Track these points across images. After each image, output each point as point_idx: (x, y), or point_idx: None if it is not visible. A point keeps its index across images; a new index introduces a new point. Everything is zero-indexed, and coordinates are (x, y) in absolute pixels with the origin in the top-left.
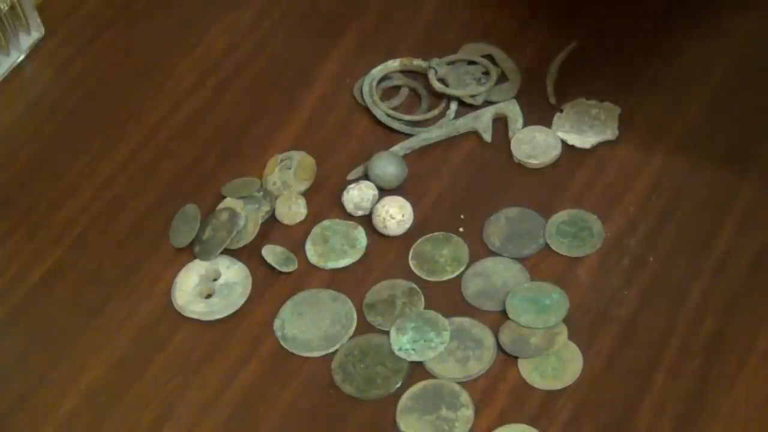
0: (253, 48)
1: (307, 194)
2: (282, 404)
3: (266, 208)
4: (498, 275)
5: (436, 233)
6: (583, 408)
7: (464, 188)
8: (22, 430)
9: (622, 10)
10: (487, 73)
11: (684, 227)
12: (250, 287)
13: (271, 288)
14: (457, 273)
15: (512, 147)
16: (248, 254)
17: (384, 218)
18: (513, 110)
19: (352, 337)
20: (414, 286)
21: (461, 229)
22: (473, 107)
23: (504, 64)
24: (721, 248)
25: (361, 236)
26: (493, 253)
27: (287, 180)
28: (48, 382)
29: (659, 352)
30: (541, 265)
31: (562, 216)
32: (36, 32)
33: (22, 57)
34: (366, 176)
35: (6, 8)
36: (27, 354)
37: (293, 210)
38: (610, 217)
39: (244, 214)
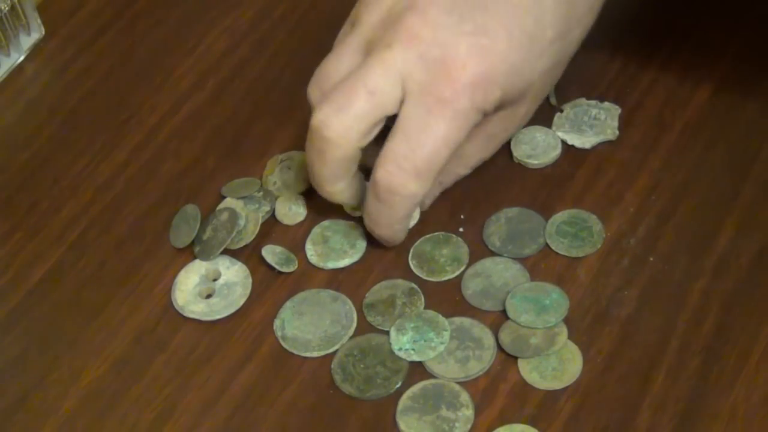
0: (253, 48)
1: (307, 194)
2: (282, 404)
3: (266, 208)
4: (498, 275)
5: (436, 233)
6: (583, 408)
7: (464, 188)
8: (22, 430)
9: (621, 10)
10: None
11: (684, 227)
12: (250, 287)
13: (271, 288)
14: (457, 273)
15: (512, 147)
16: (248, 254)
17: None
18: None
19: (352, 337)
20: (414, 286)
21: (461, 229)
22: None
23: None
24: (721, 248)
25: (361, 236)
26: (493, 253)
27: (287, 180)
28: (48, 382)
29: (659, 352)
30: (541, 265)
31: (562, 216)
32: (36, 33)
33: (22, 57)
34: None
35: (6, 8)
36: (27, 354)
37: (293, 210)
38: (610, 217)
39: (244, 214)
